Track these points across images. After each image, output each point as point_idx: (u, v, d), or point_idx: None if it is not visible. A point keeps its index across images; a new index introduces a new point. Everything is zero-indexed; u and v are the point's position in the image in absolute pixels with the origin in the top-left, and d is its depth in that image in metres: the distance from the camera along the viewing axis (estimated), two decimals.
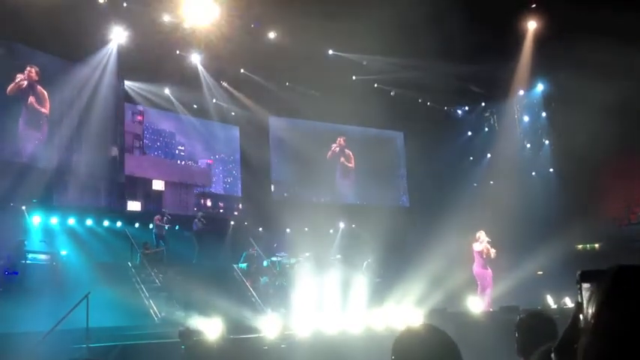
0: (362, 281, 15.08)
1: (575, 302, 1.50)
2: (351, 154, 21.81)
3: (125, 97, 17.33)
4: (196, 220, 17.48)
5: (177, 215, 18.06)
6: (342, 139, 21.68)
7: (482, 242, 13.59)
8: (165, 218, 16.88)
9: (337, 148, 21.64)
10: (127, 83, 17.17)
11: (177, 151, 19.30)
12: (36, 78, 14.89)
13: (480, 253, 13.67)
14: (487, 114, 21.93)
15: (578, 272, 1.49)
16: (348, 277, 15.36)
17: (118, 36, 15.72)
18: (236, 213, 19.95)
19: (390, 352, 2.02)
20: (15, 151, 14.85)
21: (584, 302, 1.43)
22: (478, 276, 13.80)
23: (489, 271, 13.78)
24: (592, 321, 1.32)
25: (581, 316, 1.44)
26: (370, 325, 11.06)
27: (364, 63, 18.72)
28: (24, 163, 14.71)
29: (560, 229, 17.50)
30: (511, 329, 3.41)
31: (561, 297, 13.86)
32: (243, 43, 16.38)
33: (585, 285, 1.46)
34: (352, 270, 16.69)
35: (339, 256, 18.86)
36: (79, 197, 16.72)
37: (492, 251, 13.60)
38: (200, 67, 17.82)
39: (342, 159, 21.74)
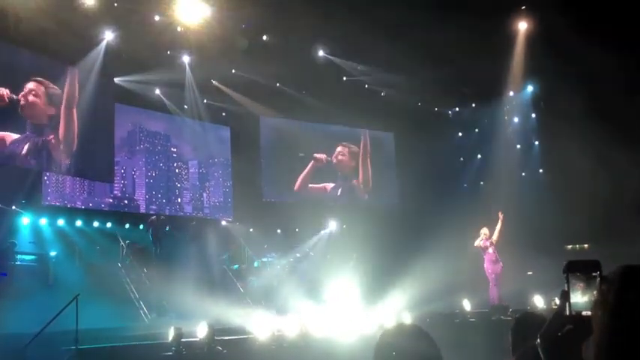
0: (352, 281, 15.09)
1: (561, 291, 1.54)
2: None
3: (116, 98, 17.17)
4: (192, 222, 17.45)
5: (170, 217, 17.98)
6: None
7: (480, 239, 14.02)
8: (161, 218, 16.83)
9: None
10: (118, 84, 17.02)
11: (172, 154, 19.13)
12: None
13: (483, 248, 13.98)
14: (477, 115, 21.99)
15: (565, 262, 1.56)
16: (338, 277, 15.37)
17: (108, 36, 15.62)
18: (227, 214, 19.87)
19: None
20: (5, 153, 14.69)
21: (571, 291, 1.52)
22: (487, 271, 14.01)
23: (499, 264, 14.01)
24: (608, 322, 1.38)
25: (567, 305, 1.50)
26: (361, 326, 11.08)
27: (356, 66, 18.73)
28: (13, 163, 14.56)
29: (550, 230, 17.60)
30: (501, 329, 3.44)
31: (551, 297, 13.92)
32: (234, 44, 16.35)
33: (572, 275, 1.53)
34: (342, 270, 16.69)
35: (328, 257, 18.86)
36: (69, 198, 16.62)
37: (494, 237, 13.95)
38: (190, 68, 17.72)
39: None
